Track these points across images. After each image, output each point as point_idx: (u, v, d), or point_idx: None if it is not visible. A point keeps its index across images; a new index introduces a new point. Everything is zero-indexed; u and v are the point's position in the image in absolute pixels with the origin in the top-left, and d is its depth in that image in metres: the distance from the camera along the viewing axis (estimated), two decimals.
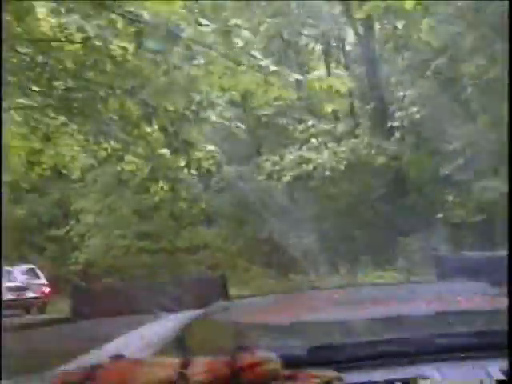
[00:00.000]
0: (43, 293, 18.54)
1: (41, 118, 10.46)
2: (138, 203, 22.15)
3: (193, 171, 10.92)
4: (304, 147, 16.24)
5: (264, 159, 16.85)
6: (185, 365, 1.23)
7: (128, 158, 10.02)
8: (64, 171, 11.61)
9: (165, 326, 2.39)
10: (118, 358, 1.34)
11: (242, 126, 9.96)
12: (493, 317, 1.73)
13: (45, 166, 11.27)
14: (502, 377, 1.22)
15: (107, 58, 8.53)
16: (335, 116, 16.49)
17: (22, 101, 9.89)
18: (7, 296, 17.06)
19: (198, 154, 9.30)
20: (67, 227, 22.71)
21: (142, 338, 2.07)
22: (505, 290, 2.03)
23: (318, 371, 1.24)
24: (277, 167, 15.74)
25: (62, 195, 24.10)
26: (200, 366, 1.23)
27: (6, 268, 17.65)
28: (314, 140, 15.81)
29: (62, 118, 10.10)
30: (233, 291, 16.10)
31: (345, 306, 2.26)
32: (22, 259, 22.48)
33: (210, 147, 9.68)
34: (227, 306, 2.83)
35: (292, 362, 1.26)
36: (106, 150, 10.43)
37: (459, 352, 1.33)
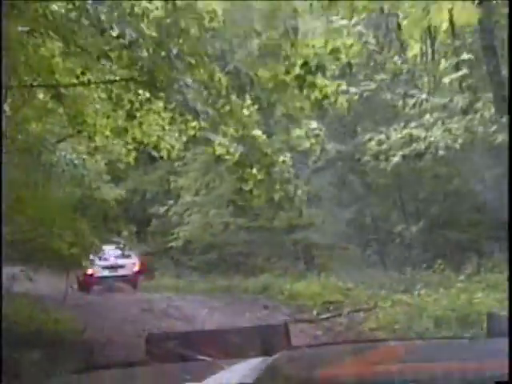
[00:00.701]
0: (135, 271, 19.02)
1: (124, 95, 8.86)
2: (235, 183, 21.04)
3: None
4: (412, 124, 13.83)
5: (367, 138, 14.60)
6: None
7: (218, 139, 8.20)
8: (153, 151, 10.05)
9: (237, 373, 1.68)
10: None
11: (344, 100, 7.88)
12: None
13: (130, 147, 9.88)
14: None
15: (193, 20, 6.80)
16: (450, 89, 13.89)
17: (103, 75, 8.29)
18: (104, 273, 18.40)
19: (299, 132, 7.39)
20: (168, 205, 22.23)
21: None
22: None
23: None
24: (384, 146, 13.46)
25: (165, 174, 23.60)
26: None
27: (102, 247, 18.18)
28: (427, 116, 13.39)
29: (147, 94, 8.46)
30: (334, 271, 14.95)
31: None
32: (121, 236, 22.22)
33: (313, 124, 7.72)
34: (295, 356, 2.01)
35: None
36: (194, 128, 8.69)
37: None
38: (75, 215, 10.31)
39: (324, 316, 12.22)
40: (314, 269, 17.94)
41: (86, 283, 18.53)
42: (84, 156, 10.71)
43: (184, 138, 9.75)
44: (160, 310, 12.90)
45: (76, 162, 10.09)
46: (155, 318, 11.59)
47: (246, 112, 8.24)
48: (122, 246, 19.24)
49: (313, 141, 8.20)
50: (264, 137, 8.14)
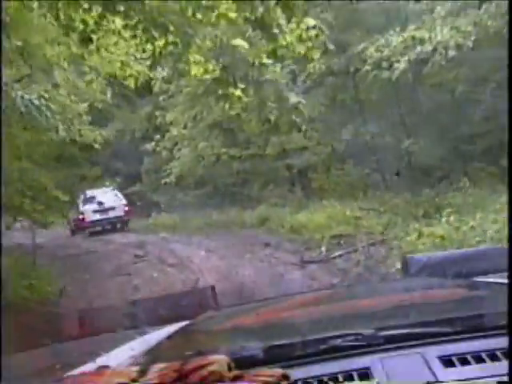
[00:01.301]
0: (124, 212, 19.34)
1: (74, 14, 6.70)
2: (223, 111, 19.34)
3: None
4: (411, 27, 11.60)
5: (361, 48, 12.41)
6: (142, 372, 1.15)
7: (192, 56, 6.16)
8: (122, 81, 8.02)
9: (153, 337, 1.76)
10: (103, 368, 1.32)
11: None
12: (441, 307, 1.69)
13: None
14: (437, 362, 1.21)
15: None
16: None
17: None
18: (95, 217, 18.70)
19: (294, 33, 5.38)
20: (155, 140, 21.13)
21: (131, 350, 1.62)
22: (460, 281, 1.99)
23: (264, 370, 1.18)
24: (385, 52, 11.26)
25: (153, 110, 22.03)
26: (152, 372, 1.15)
27: (89, 192, 18.97)
28: (425, 16, 11.19)
29: (99, 9, 6.35)
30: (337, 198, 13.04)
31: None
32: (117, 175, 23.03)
33: (310, 20, 5.68)
34: (214, 315, 2.16)
35: (248, 362, 1.24)
36: (164, 46, 6.61)
37: (400, 342, 1.30)
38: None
39: (336, 254, 10.00)
40: (314, 195, 16.06)
41: (78, 228, 18.74)
42: (45, 94, 8.59)
43: (149, 61, 7.61)
44: (154, 256, 11.11)
45: (36, 102, 7.97)
46: (148, 267, 9.82)
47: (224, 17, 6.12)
48: (110, 188, 20.25)
49: (309, 44, 6.12)
50: (247, 46, 6.09)
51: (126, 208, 19.50)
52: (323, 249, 10.40)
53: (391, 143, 14.27)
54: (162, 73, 19.36)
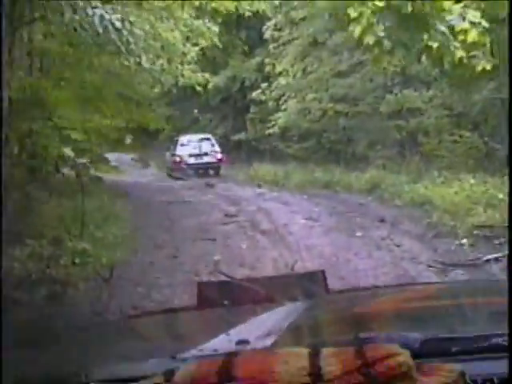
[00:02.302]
0: (217, 159, 19.00)
1: None
2: (336, 65, 17.35)
3: None
4: None
5: None
6: (315, 355, 1.04)
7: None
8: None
9: (280, 314, 1.61)
10: (243, 342, 1.25)
11: None
12: None
13: None
14: None
15: None
16: None
17: None
18: (190, 160, 18.37)
19: None
20: (262, 89, 19.57)
21: (262, 325, 1.49)
22: None
23: (440, 364, 1.07)
24: None
25: (263, 60, 20.07)
26: (331, 356, 1.04)
27: (187, 136, 19.62)
28: None
29: None
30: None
31: None
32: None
33: None
34: (334, 299, 2.01)
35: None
36: None
37: None
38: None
39: (489, 256, 6.22)
40: (429, 163, 13.14)
41: (174, 170, 18.53)
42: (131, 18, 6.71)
43: None
44: (247, 216, 9.04)
45: (118, 25, 6.02)
46: (237, 232, 7.75)
47: None
48: (206, 135, 19.66)
49: None
50: None
51: (219, 155, 19.28)
52: (465, 242, 6.84)
53: None
54: (273, 19, 17.22)
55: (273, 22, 17.78)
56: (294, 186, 14.07)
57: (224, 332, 1.39)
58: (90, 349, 1.49)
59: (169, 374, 1.00)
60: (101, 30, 6.06)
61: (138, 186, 14.83)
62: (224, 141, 21.80)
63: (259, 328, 1.45)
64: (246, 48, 23.03)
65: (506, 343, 1.10)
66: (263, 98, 19.13)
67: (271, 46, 18.24)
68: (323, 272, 1.91)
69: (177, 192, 13.73)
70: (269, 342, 1.29)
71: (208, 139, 19.62)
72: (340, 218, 8.77)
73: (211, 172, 18.52)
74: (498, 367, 1.05)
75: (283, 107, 18.46)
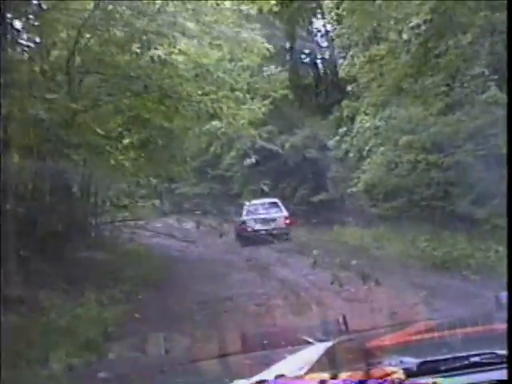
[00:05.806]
0: (285, 224, 18.31)
1: None
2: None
3: None
4: None
5: None
6: (333, 378, 1.35)
7: None
8: None
9: (313, 351, 1.95)
10: (280, 376, 1.48)
11: None
12: None
13: None
14: None
15: None
16: None
17: None
18: (256, 226, 17.93)
19: None
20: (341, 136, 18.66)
21: (299, 360, 1.76)
22: None
23: (420, 379, 1.37)
24: None
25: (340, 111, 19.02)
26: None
27: (254, 202, 19.11)
28: None
29: None
30: None
31: None
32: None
33: None
34: (353, 337, 2.34)
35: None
36: None
37: None
38: None
39: None
40: None
41: (241, 236, 17.87)
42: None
43: None
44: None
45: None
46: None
47: None
48: (273, 200, 18.93)
49: None
50: None
51: (288, 220, 18.46)
52: None
53: None
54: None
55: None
56: (392, 259, 10.47)
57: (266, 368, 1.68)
58: None
59: None
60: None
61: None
62: (303, 202, 20.67)
63: (296, 363, 1.71)
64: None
65: (483, 361, 1.45)
66: (343, 146, 17.98)
67: (349, 88, 15.94)
68: (344, 317, 2.25)
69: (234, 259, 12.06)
70: (302, 373, 1.57)
71: (275, 203, 19.02)
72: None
73: (279, 237, 17.16)
74: (477, 379, 1.39)
75: (366, 161, 16.77)
